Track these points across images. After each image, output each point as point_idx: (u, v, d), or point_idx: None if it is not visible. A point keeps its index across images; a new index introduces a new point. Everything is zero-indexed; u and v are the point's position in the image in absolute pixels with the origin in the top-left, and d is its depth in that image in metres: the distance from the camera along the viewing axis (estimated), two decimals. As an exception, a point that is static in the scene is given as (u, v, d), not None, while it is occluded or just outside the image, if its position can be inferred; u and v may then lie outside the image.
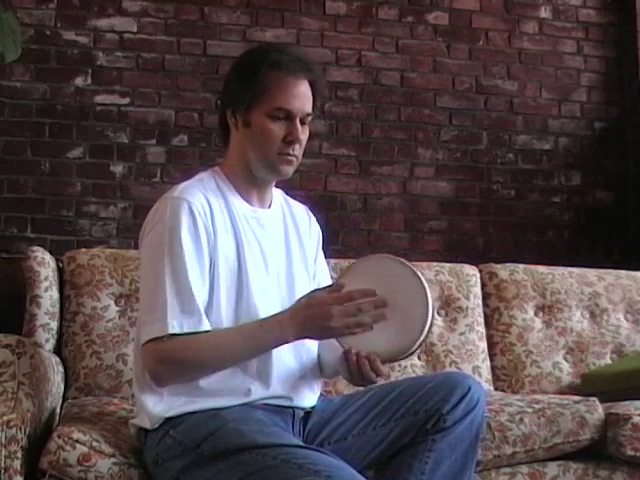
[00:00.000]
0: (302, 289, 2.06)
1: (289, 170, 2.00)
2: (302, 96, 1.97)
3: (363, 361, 1.85)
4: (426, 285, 1.87)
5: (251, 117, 1.97)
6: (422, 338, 1.86)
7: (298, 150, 1.99)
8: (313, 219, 2.23)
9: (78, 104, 3.62)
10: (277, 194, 2.15)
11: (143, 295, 1.96)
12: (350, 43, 3.87)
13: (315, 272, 2.18)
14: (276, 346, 1.90)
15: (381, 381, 1.97)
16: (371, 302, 1.81)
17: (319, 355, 2.09)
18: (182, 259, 1.88)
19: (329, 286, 1.93)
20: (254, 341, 1.88)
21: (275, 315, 1.90)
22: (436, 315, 2.92)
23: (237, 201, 2.02)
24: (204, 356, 1.88)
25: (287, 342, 1.88)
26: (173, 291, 1.86)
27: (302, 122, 1.98)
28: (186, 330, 1.85)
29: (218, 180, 2.04)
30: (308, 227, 2.19)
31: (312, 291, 1.95)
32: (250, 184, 2.04)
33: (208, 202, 1.96)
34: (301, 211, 2.20)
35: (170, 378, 1.89)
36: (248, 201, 2.04)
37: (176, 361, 1.87)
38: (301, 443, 1.86)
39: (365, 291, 1.82)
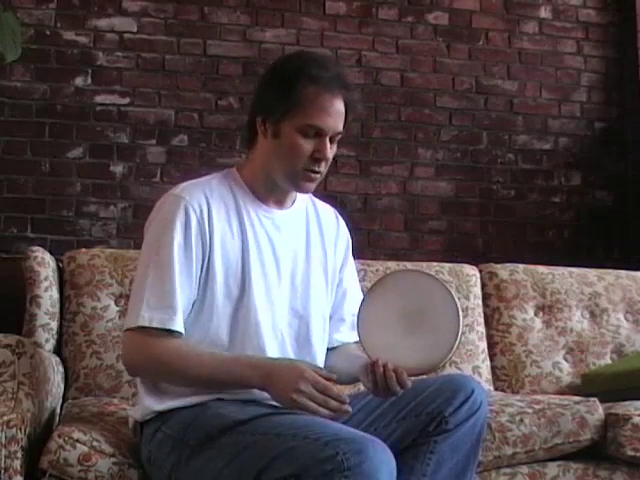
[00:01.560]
0: (317, 294, 2.06)
1: (309, 187, 1.99)
2: (336, 114, 1.94)
3: (390, 374, 1.84)
4: (458, 302, 1.89)
5: (281, 129, 1.95)
6: (451, 355, 1.88)
7: (324, 167, 1.97)
8: (342, 224, 2.21)
9: (78, 104, 3.62)
10: (303, 194, 2.11)
11: (132, 286, 2.00)
12: (350, 43, 3.87)
13: (342, 279, 2.16)
14: (240, 387, 1.89)
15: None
16: (336, 402, 1.78)
17: (335, 363, 2.08)
18: (169, 256, 1.89)
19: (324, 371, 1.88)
20: (224, 374, 1.87)
21: (259, 358, 1.89)
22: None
23: (250, 203, 2.01)
24: (173, 366, 1.87)
25: (250, 386, 1.87)
26: (153, 285, 1.88)
27: (331, 140, 1.96)
28: (155, 325, 1.86)
29: (232, 182, 2.03)
30: (335, 232, 2.17)
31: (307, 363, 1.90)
32: (268, 190, 2.03)
33: (208, 202, 1.96)
34: (329, 214, 2.18)
35: (139, 371, 1.93)
36: (264, 203, 2.03)
37: (145, 359, 1.88)
38: (278, 410, 1.84)
39: (340, 399, 1.78)
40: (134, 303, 1.91)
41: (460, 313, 1.88)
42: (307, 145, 1.93)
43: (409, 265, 3.00)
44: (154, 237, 1.93)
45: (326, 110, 1.93)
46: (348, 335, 2.14)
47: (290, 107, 1.92)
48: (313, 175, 1.96)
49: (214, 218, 1.95)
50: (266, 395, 1.89)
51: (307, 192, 2.02)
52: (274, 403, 1.90)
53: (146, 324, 1.86)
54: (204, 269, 1.93)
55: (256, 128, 2.00)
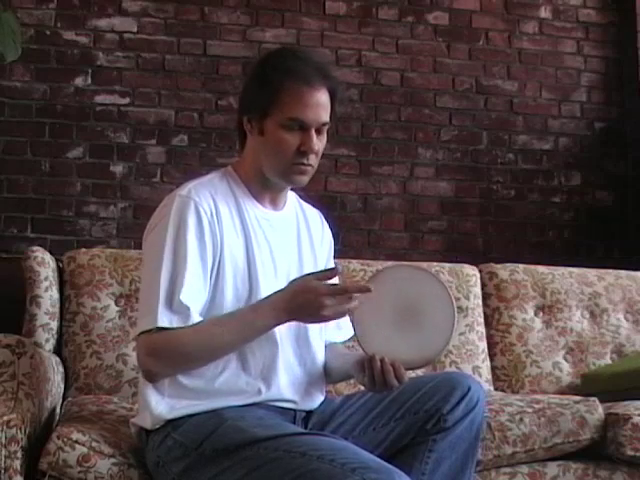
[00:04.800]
0: None
1: (303, 180, 1.99)
2: (318, 106, 1.94)
3: (388, 368, 1.85)
4: (453, 298, 1.91)
5: (265, 126, 1.95)
6: (446, 347, 1.91)
7: (313, 160, 1.97)
8: (326, 225, 2.22)
9: (78, 104, 3.62)
10: (291, 197, 2.14)
11: (141, 288, 1.98)
12: (350, 43, 3.87)
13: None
14: (270, 329, 1.90)
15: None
16: (359, 288, 1.85)
17: (325, 361, 2.09)
18: (184, 257, 1.88)
19: (324, 270, 1.93)
20: (249, 327, 1.87)
21: (268, 298, 1.89)
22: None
23: (249, 202, 2.01)
24: (198, 345, 1.87)
25: (279, 324, 1.89)
26: (169, 287, 1.86)
27: (318, 131, 1.96)
28: (175, 325, 1.85)
29: (230, 181, 2.03)
30: (321, 232, 2.18)
31: (306, 275, 1.92)
32: (263, 188, 2.03)
33: (215, 203, 1.95)
34: (315, 216, 2.20)
35: (162, 372, 1.89)
36: (261, 203, 2.03)
37: (168, 353, 1.86)
38: (301, 430, 1.86)
39: (360, 287, 1.86)
40: (148, 304, 1.88)
41: (454, 306, 1.90)
42: (292, 139, 1.93)
43: (409, 265, 3.00)
44: (167, 238, 1.90)
45: (306, 103, 1.92)
46: (334, 334, 2.15)
47: (271, 103, 1.93)
48: (303, 168, 1.97)
49: (222, 219, 1.95)
50: (270, 396, 1.91)
51: (301, 185, 2.02)
52: (282, 405, 1.93)
53: (166, 325, 1.84)
54: (214, 271, 1.92)
55: (244, 127, 2.01)
